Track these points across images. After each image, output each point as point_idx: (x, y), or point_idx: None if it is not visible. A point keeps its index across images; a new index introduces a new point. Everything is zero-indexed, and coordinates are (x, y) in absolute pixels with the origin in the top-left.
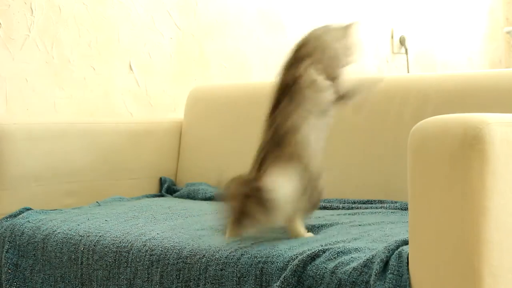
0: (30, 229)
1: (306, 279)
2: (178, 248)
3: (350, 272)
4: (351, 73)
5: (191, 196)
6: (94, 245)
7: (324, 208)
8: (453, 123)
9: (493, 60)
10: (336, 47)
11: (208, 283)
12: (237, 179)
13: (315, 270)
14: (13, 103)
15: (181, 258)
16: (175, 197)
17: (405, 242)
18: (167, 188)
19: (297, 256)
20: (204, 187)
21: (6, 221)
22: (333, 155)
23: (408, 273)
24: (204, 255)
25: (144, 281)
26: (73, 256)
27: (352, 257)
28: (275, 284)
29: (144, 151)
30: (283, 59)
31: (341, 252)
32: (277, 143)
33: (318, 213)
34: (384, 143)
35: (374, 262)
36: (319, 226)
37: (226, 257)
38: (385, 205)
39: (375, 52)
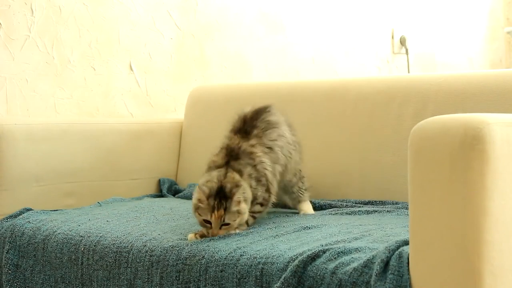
0: (30, 230)
1: (307, 279)
2: (178, 249)
3: (351, 272)
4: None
5: None
6: (94, 246)
7: (325, 208)
8: (453, 123)
9: (494, 60)
10: None
11: (208, 284)
12: None
13: (315, 271)
14: (13, 103)
15: (180, 259)
16: (178, 197)
17: (406, 243)
18: (169, 188)
19: (297, 257)
20: None
21: (7, 221)
22: (334, 155)
23: (408, 274)
24: (203, 256)
25: (144, 282)
26: (73, 257)
27: (352, 257)
28: (275, 285)
29: (145, 152)
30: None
31: (341, 252)
32: None
33: (319, 213)
34: (385, 143)
35: (375, 262)
36: (320, 226)
37: (225, 258)
38: (386, 205)
39: (376, 53)
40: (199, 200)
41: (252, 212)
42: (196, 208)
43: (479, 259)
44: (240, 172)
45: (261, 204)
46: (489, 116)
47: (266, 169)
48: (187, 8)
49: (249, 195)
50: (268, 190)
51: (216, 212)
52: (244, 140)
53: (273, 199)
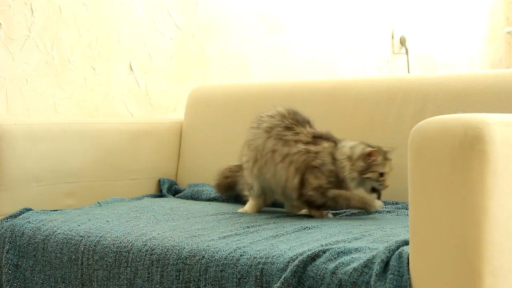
0: (30, 230)
1: (307, 279)
2: (178, 248)
3: (351, 272)
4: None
5: (194, 196)
6: (94, 246)
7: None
8: (453, 123)
9: (494, 60)
10: None
11: (208, 284)
12: None
13: (315, 271)
14: (13, 103)
15: (180, 259)
16: (178, 197)
17: (406, 243)
18: (169, 188)
19: (297, 257)
20: (208, 188)
21: (7, 221)
22: None
23: (408, 274)
24: (203, 256)
25: (145, 281)
26: (73, 257)
27: (352, 257)
28: (275, 285)
29: (145, 152)
30: None
31: (341, 252)
32: None
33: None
34: (384, 143)
35: (375, 262)
36: (320, 226)
37: (225, 258)
38: (385, 205)
39: (375, 53)
40: (376, 154)
41: None
42: (367, 168)
43: (479, 259)
44: None
45: None
46: (489, 116)
47: None
48: (187, 8)
49: None
50: None
51: (388, 162)
52: (310, 127)
53: None
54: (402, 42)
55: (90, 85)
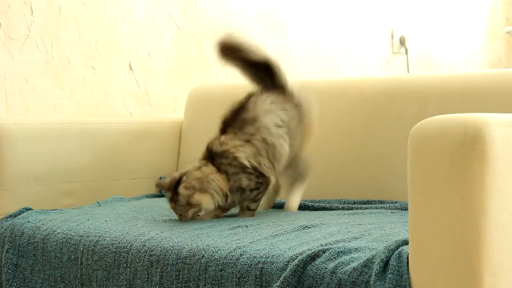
0: (30, 229)
1: (306, 279)
2: (177, 248)
3: (350, 272)
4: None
5: None
6: (94, 246)
7: (324, 208)
8: (453, 123)
9: (493, 60)
10: None
11: (208, 283)
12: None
13: (315, 270)
14: (13, 103)
15: (180, 259)
16: None
17: (405, 242)
18: None
19: (297, 256)
20: None
21: (6, 221)
22: (333, 155)
23: (408, 273)
24: (203, 256)
25: (144, 282)
26: (73, 256)
27: (352, 257)
28: (275, 285)
29: (144, 151)
30: None
31: (341, 252)
32: None
33: (318, 213)
34: (384, 143)
35: (374, 262)
36: (319, 225)
37: (225, 258)
38: (385, 205)
39: (375, 52)
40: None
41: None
42: None
43: (479, 259)
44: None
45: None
46: (489, 116)
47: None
48: (187, 8)
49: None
50: (259, 176)
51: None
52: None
53: (270, 181)
54: (402, 42)
55: (89, 85)
